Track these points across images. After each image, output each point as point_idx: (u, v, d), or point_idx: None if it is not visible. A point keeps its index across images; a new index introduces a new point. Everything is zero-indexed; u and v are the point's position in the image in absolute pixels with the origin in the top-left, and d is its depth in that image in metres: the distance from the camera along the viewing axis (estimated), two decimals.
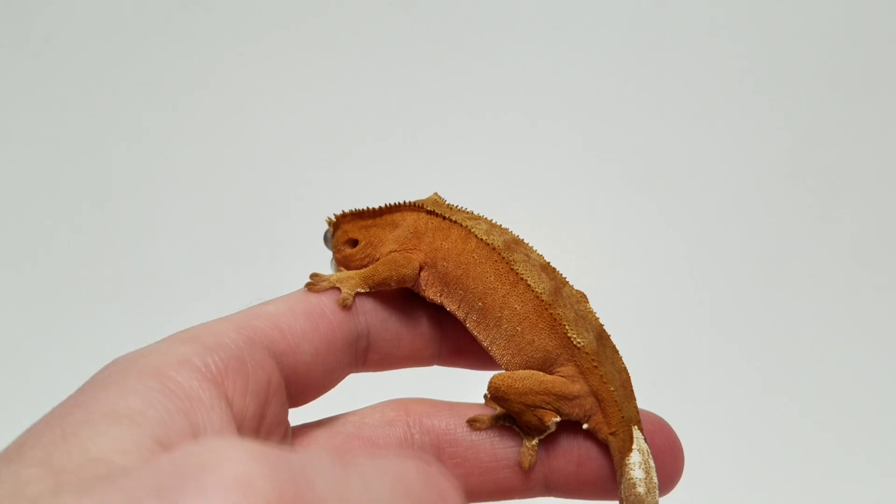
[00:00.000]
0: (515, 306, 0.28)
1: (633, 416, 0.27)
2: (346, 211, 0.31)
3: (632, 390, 0.28)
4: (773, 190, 0.60)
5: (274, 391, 0.25)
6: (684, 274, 0.58)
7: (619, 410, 0.27)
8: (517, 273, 0.28)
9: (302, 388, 0.27)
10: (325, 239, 0.32)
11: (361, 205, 0.31)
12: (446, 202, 0.31)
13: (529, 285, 0.28)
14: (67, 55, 0.63)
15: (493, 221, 0.30)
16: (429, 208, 0.30)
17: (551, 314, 0.27)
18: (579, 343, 0.27)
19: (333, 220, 0.32)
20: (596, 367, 0.27)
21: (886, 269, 0.58)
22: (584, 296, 0.29)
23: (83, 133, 0.63)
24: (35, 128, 0.63)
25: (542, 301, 0.28)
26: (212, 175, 0.62)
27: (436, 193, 0.31)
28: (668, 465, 0.28)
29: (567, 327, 0.27)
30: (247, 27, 0.65)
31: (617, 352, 0.28)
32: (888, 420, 0.53)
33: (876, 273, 0.58)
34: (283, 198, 0.61)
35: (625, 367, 0.28)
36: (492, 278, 0.28)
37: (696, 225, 0.60)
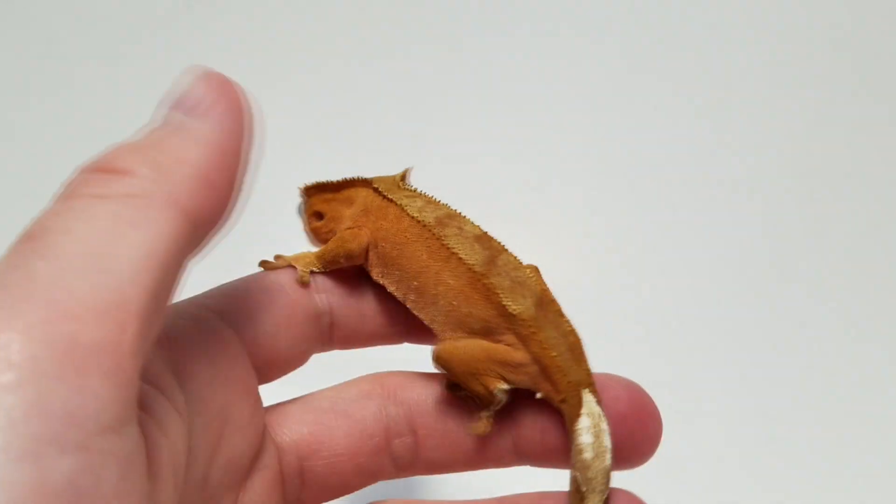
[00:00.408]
0: (450, 281, 0.27)
1: (582, 380, 0.26)
2: (312, 182, 0.31)
3: (582, 353, 0.27)
4: (775, 187, 0.60)
5: (234, 359, 0.25)
6: (685, 270, 0.58)
7: (565, 376, 0.26)
8: (448, 247, 0.27)
9: (267, 360, 0.27)
10: (298, 210, 0.32)
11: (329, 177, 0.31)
12: (402, 180, 0.30)
13: (461, 258, 0.27)
14: (69, 54, 0.64)
15: (431, 197, 0.29)
16: (376, 185, 0.29)
17: (484, 284, 0.27)
18: (515, 310, 0.26)
19: (303, 189, 0.32)
20: (534, 333, 0.26)
21: (888, 267, 0.57)
22: (528, 266, 0.28)
23: (85, 133, 0.64)
24: (36, 127, 0.63)
25: (475, 272, 0.27)
26: None
27: (406, 170, 0.31)
28: (640, 430, 0.26)
29: (501, 295, 0.26)
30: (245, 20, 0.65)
31: (562, 315, 0.27)
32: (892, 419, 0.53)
33: (876, 270, 0.57)
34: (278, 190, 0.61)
35: (572, 330, 0.27)
36: (424, 256, 0.27)
37: (696, 221, 0.59)
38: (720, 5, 0.65)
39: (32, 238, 0.18)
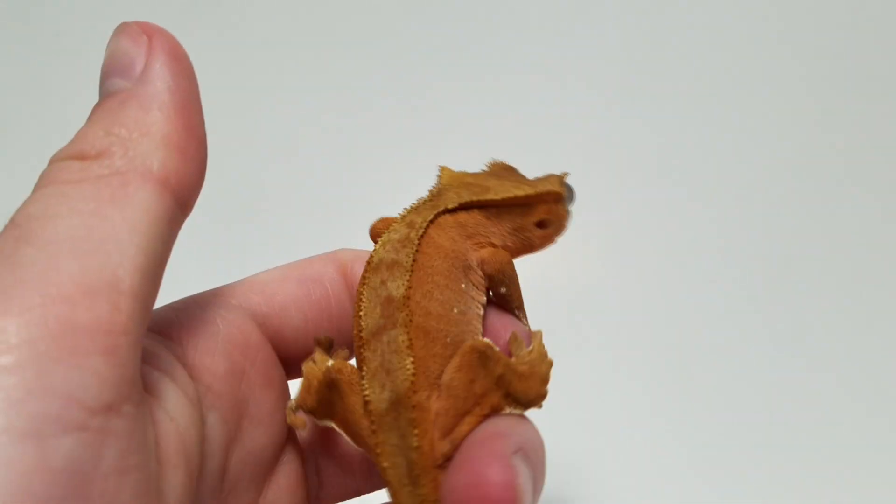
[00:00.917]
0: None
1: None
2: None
3: (422, 475, 0.23)
4: (780, 187, 0.60)
5: (255, 352, 0.25)
6: (685, 270, 0.58)
7: (394, 494, 0.23)
8: (360, 299, 0.24)
9: (297, 354, 0.27)
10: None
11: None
12: (443, 190, 0.27)
13: (359, 316, 0.24)
14: (76, 52, 0.64)
15: (415, 235, 0.25)
16: (432, 191, 0.27)
17: (360, 353, 0.23)
18: (365, 397, 0.23)
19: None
20: (372, 431, 0.23)
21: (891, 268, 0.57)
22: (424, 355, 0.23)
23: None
24: (42, 125, 0.63)
25: (360, 337, 0.23)
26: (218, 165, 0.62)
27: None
28: None
29: (364, 374, 0.23)
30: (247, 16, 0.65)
31: (415, 427, 0.23)
32: None
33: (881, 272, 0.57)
34: (294, 192, 0.61)
35: (419, 447, 0.23)
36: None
37: (702, 219, 0.59)
38: (725, 8, 0.64)
39: (17, 226, 0.18)
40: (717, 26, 0.64)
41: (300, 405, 0.25)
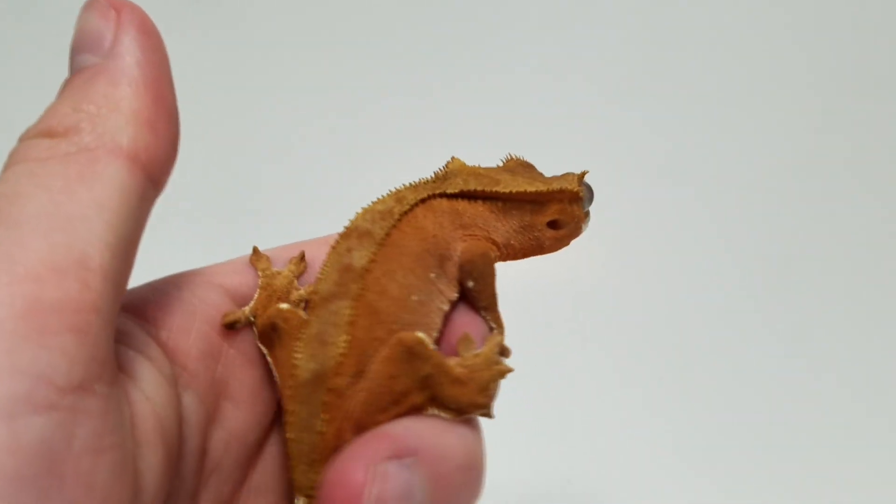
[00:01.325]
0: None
1: (302, 486, 0.22)
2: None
3: (320, 460, 0.22)
4: (781, 188, 0.60)
5: (235, 332, 0.24)
6: (693, 270, 0.58)
7: (291, 467, 0.22)
8: (325, 262, 0.23)
9: None
10: None
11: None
12: (449, 174, 0.26)
13: (318, 279, 0.23)
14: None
15: (398, 210, 0.24)
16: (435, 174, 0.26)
17: (308, 316, 0.23)
18: (293, 360, 0.22)
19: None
20: (289, 397, 0.22)
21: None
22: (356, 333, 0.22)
23: None
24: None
25: (312, 300, 0.23)
26: (215, 158, 0.62)
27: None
28: None
29: (299, 338, 0.22)
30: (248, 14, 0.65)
31: (326, 411, 0.21)
32: None
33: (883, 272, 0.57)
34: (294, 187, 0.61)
35: (324, 434, 0.21)
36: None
37: (705, 218, 0.59)
38: (726, 10, 0.64)
39: None
40: (718, 28, 0.64)
41: (254, 313, 0.24)
